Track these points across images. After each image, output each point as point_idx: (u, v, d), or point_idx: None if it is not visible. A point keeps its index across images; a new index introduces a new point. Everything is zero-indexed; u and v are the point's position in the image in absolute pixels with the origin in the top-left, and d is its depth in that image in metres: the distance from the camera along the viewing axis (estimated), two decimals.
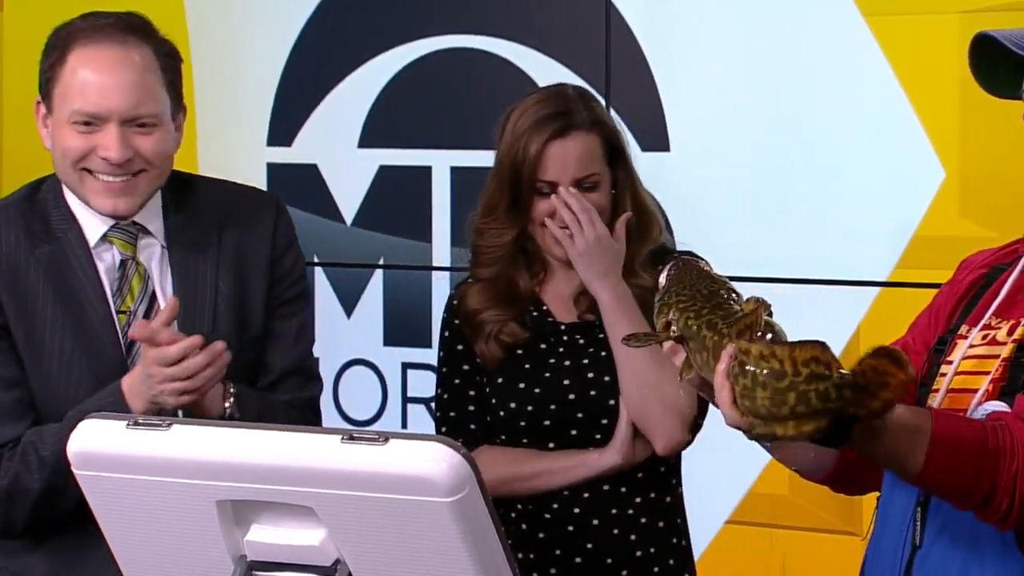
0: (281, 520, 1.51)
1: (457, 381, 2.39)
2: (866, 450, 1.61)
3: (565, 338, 2.36)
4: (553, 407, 2.32)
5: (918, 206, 3.09)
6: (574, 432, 2.32)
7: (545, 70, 3.40)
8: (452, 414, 2.39)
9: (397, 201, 3.59)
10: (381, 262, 3.61)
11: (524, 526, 2.34)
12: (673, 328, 1.66)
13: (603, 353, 2.32)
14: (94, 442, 1.54)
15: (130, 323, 2.16)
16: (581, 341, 2.35)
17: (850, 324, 3.14)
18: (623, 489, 2.32)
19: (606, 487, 2.32)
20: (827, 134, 3.15)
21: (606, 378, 2.31)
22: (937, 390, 1.81)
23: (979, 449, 1.61)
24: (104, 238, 2.19)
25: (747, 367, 1.50)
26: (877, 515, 1.86)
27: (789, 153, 3.20)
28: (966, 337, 1.81)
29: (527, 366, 2.35)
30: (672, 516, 2.37)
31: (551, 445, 2.32)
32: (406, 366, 3.60)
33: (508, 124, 2.35)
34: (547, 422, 2.32)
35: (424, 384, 3.57)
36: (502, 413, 2.34)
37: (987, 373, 1.75)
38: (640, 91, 3.32)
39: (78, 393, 2.12)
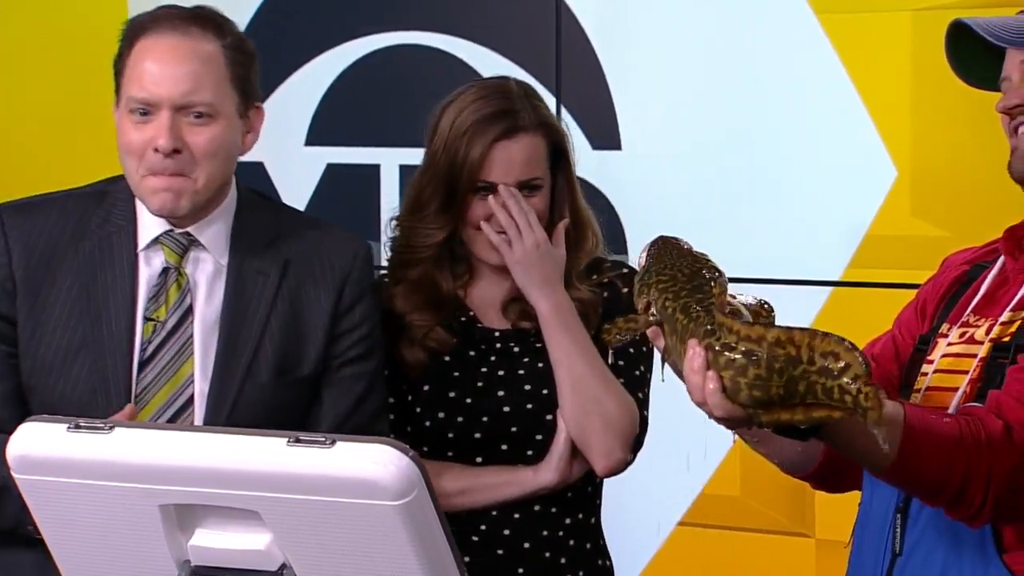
0: (226, 524, 1.50)
1: None
2: (837, 442, 1.61)
3: (498, 346, 2.27)
4: (485, 419, 2.22)
5: (870, 205, 3.11)
6: (504, 447, 2.23)
7: (495, 67, 3.40)
8: None
9: (345, 200, 3.58)
10: None
11: None
12: (652, 311, 1.61)
13: (540, 364, 2.23)
14: (34, 445, 1.53)
15: (156, 332, 2.11)
16: (516, 350, 2.26)
17: (802, 324, 3.16)
18: (554, 510, 2.24)
19: (537, 507, 2.23)
20: (779, 133, 3.17)
21: (544, 391, 2.22)
22: (919, 390, 1.82)
23: (952, 443, 1.61)
24: (155, 242, 2.14)
25: (756, 353, 1.48)
26: (857, 521, 1.87)
27: (740, 152, 3.21)
28: (946, 336, 1.83)
29: (456, 374, 2.25)
30: (596, 537, 2.30)
31: (478, 460, 2.23)
32: None
33: (444, 118, 2.25)
34: (477, 435, 2.23)
35: None
36: (428, 423, 2.24)
37: (965, 372, 1.76)
38: (591, 88, 3.33)
39: (74, 393, 2.09)
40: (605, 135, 3.33)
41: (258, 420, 2.08)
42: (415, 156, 3.57)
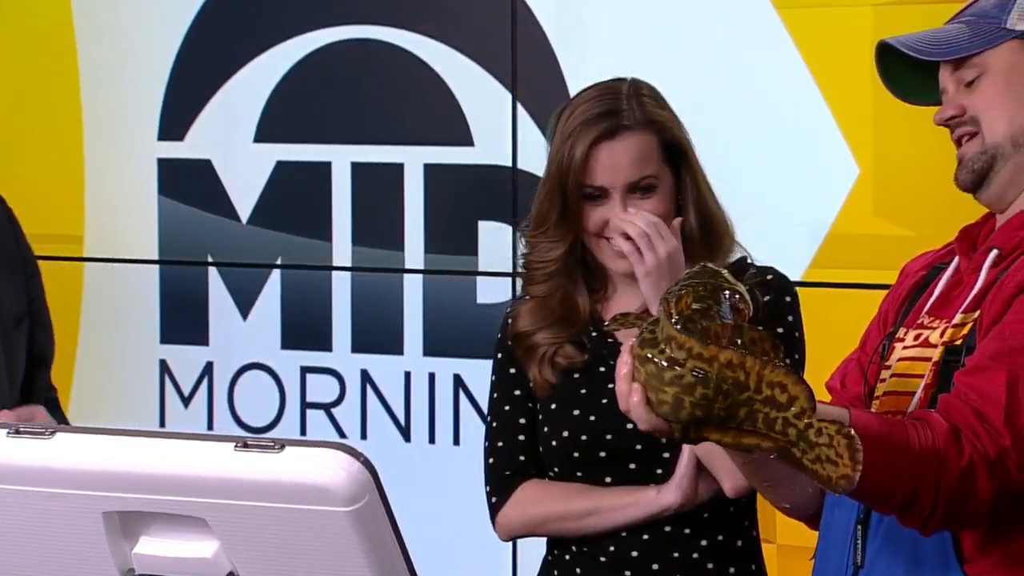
0: (171, 532, 1.50)
1: (507, 407, 2.27)
2: (782, 455, 1.62)
3: None
4: (609, 437, 2.18)
5: (832, 204, 3.12)
6: (632, 466, 2.19)
7: (449, 62, 3.40)
8: (500, 444, 2.27)
9: (295, 198, 3.57)
10: (278, 262, 3.59)
11: (578, 570, 2.22)
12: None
13: None
14: None
15: None
16: None
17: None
18: (687, 531, 2.19)
19: (667, 528, 2.18)
20: (738, 130, 3.18)
21: None
22: (878, 396, 1.83)
23: (899, 450, 1.62)
24: None
25: (706, 374, 1.48)
26: (820, 534, 1.88)
27: (699, 149, 3.22)
28: (903, 340, 1.84)
29: (583, 391, 2.22)
30: (745, 562, 2.23)
31: (608, 480, 2.20)
32: (305, 370, 3.58)
33: (558, 125, 2.23)
34: (602, 454, 2.19)
35: (324, 389, 3.56)
36: (554, 443, 2.21)
37: (920, 376, 1.77)
38: (548, 85, 3.32)
39: None
40: None
41: (13, 365, 2.25)
42: (367, 153, 3.60)
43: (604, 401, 2.20)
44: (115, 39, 3.66)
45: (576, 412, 2.21)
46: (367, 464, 1.43)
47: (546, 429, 2.23)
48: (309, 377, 3.57)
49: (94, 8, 3.67)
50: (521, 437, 2.25)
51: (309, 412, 3.58)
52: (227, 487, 1.45)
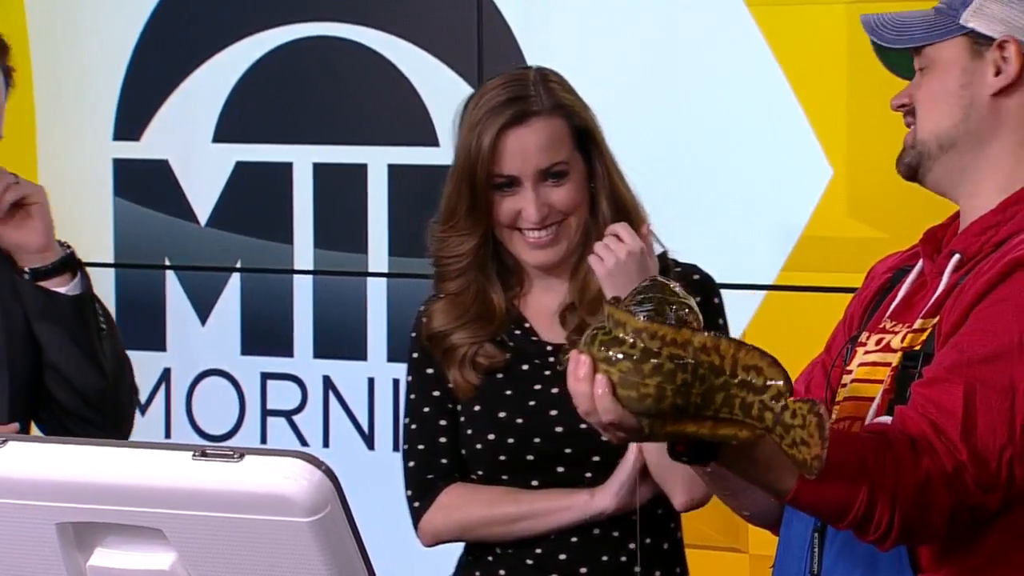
0: (127, 543, 1.49)
1: (427, 409, 2.25)
2: (736, 467, 1.61)
3: (552, 360, 2.21)
4: (538, 440, 2.18)
5: (805, 206, 3.13)
6: (561, 469, 2.19)
7: (414, 61, 3.40)
8: (421, 447, 2.25)
9: (255, 200, 3.56)
10: (238, 265, 3.58)
11: (502, 572, 2.22)
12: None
13: None
14: None
15: None
16: None
17: (735, 330, 3.17)
18: (615, 534, 2.19)
19: (596, 531, 2.18)
20: (709, 130, 3.19)
21: None
22: (838, 402, 1.83)
23: (854, 464, 1.62)
24: None
25: (684, 359, 1.48)
26: (779, 543, 1.88)
27: (669, 149, 3.23)
28: (864, 344, 1.84)
29: (508, 392, 2.21)
30: (671, 565, 2.25)
31: (534, 483, 2.19)
32: (265, 376, 3.57)
33: (464, 115, 2.22)
34: (530, 457, 2.19)
35: (285, 396, 3.55)
36: (479, 446, 2.21)
37: (880, 382, 1.78)
38: None
39: None
40: None
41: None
42: (329, 154, 3.59)
43: (531, 403, 2.19)
44: (69, 36, 3.65)
45: (502, 414, 2.20)
46: (329, 473, 1.42)
47: (470, 431, 2.21)
48: (270, 383, 3.56)
49: (47, 3, 3.66)
50: (443, 440, 2.24)
51: (270, 419, 3.57)
52: (185, 497, 1.44)
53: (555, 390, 2.18)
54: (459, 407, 2.23)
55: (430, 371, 2.25)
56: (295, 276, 3.54)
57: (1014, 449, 1.65)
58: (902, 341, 1.78)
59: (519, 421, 2.19)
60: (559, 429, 2.18)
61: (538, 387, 2.21)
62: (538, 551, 2.19)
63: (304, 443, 3.52)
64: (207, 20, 3.57)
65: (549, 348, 2.22)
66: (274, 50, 3.53)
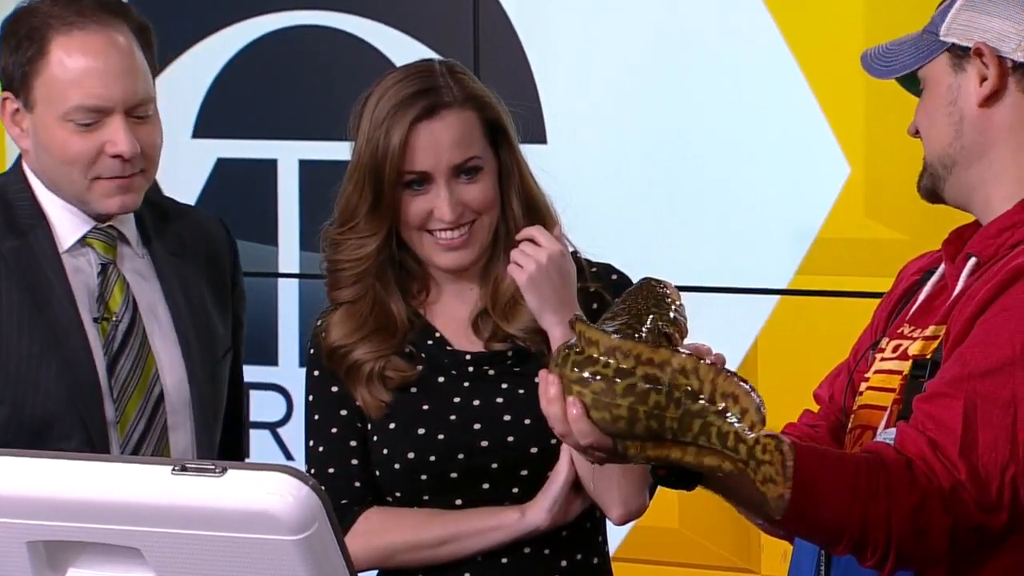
0: (103, 562, 1.49)
1: (335, 430, 2.20)
2: (722, 494, 1.64)
3: (471, 371, 2.18)
4: (462, 456, 2.15)
5: (821, 206, 3.14)
6: (486, 486, 2.16)
7: (407, 50, 3.40)
8: (331, 470, 2.19)
9: (238, 199, 3.57)
10: None
11: None
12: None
13: (520, 390, 2.15)
14: None
15: (112, 332, 2.20)
16: (491, 374, 2.18)
17: (747, 337, 3.18)
18: (547, 551, 2.17)
19: (527, 550, 2.16)
20: (722, 128, 3.19)
21: (526, 421, 2.13)
22: (854, 410, 1.85)
23: (846, 488, 1.64)
24: (82, 240, 2.24)
25: (659, 381, 1.49)
26: (791, 561, 1.90)
27: (679, 148, 3.23)
28: (883, 350, 1.86)
29: (425, 407, 2.17)
30: None
31: (458, 502, 2.17)
32: (249, 386, 3.57)
33: (365, 110, 2.18)
34: (454, 474, 2.15)
35: (269, 407, 3.56)
36: (397, 466, 2.16)
37: (893, 390, 1.79)
38: (513, 75, 3.33)
39: (48, 402, 2.16)
40: (529, 127, 3.31)
41: (221, 398, 2.33)
42: (316, 150, 3.60)
43: (452, 417, 2.17)
44: None
45: (421, 431, 2.17)
46: (316, 489, 1.43)
47: (386, 452, 2.17)
48: (253, 394, 3.57)
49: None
50: (355, 461, 2.19)
51: (253, 432, 3.58)
52: (163, 514, 1.44)
53: (477, 402, 2.17)
54: (369, 426, 2.19)
55: (335, 389, 2.21)
56: (280, 280, 3.54)
57: (1017, 467, 1.67)
58: (918, 348, 1.80)
59: (440, 437, 2.16)
60: (484, 443, 2.16)
61: (457, 400, 2.19)
62: (466, 574, 2.17)
63: (289, 457, 3.53)
64: (186, 8, 3.58)
65: (468, 358, 2.20)
66: (258, 40, 3.54)
